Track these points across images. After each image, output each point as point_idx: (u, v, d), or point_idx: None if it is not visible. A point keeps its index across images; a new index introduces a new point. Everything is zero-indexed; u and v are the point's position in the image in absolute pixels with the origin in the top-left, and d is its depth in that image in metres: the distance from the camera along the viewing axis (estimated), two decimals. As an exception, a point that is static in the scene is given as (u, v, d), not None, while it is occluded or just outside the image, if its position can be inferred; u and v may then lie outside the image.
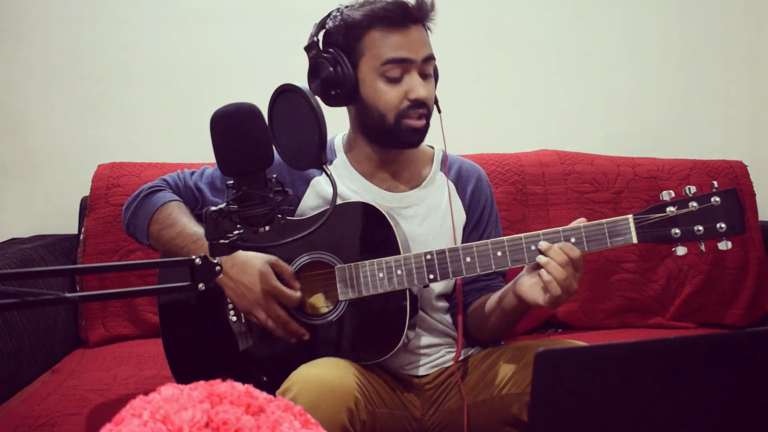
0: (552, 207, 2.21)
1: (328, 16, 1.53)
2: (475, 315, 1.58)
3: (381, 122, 1.51)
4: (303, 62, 1.54)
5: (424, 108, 1.50)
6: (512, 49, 2.50)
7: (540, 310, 2.13)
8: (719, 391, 0.88)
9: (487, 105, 2.49)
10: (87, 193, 2.18)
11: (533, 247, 1.39)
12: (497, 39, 2.49)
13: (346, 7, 1.53)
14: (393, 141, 1.53)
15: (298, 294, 1.47)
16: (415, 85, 1.49)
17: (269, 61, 2.38)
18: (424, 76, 1.51)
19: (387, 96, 1.49)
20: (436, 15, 1.53)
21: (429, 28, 1.54)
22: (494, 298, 1.51)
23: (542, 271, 1.34)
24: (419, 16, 1.50)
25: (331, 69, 1.49)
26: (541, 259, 1.34)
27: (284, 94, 1.31)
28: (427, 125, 1.53)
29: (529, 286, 1.38)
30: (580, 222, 1.38)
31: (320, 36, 1.53)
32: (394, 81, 1.49)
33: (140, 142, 2.40)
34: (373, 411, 1.44)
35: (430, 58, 1.51)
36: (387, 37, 1.48)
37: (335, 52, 1.50)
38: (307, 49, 1.53)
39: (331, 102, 1.51)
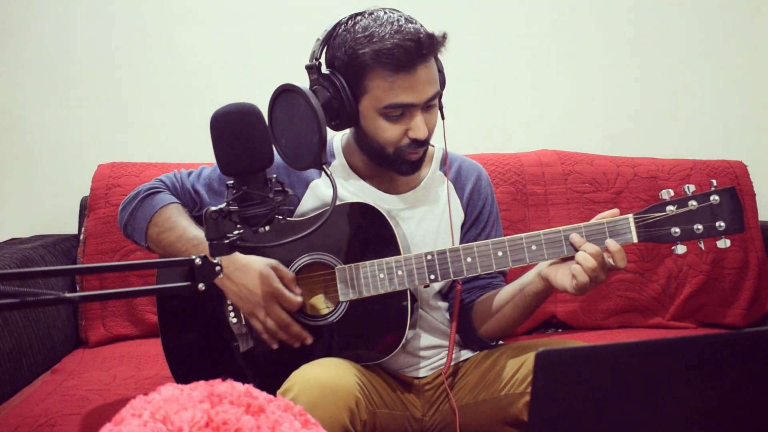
0: (552, 207, 2.21)
1: (334, 32, 1.46)
2: (482, 307, 1.57)
3: (381, 151, 1.50)
4: (304, 62, 1.53)
5: (424, 146, 1.50)
6: (512, 49, 2.50)
7: (538, 309, 2.13)
8: (719, 391, 0.88)
9: (487, 105, 2.49)
10: (87, 193, 2.18)
11: (534, 247, 1.39)
12: (497, 39, 2.49)
13: (354, 25, 1.44)
14: (389, 167, 1.53)
15: (299, 299, 1.47)
16: (417, 126, 1.45)
17: (269, 61, 2.38)
18: (428, 108, 1.48)
19: (387, 133, 1.47)
20: (448, 41, 1.47)
21: (440, 53, 1.49)
22: (510, 289, 1.51)
23: (574, 261, 1.35)
24: (429, 54, 1.43)
25: (332, 98, 1.44)
26: (612, 245, 1.35)
27: (284, 94, 1.31)
28: (425, 153, 1.53)
29: (556, 269, 1.40)
30: (614, 212, 1.39)
31: (323, 54, 1.48)
32: (395, 119, 1.46)
33: (140, 142, 2.40)
34: (373, 411, 1.44)
35: (435, 96, 1.47)
36: (391, 82, 1.41)
37: (337, 81, 1.44)
38: (309, 69, 1.46)
39: (331, 128, 1.47)
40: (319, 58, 1.46)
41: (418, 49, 1.40)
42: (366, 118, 1.47)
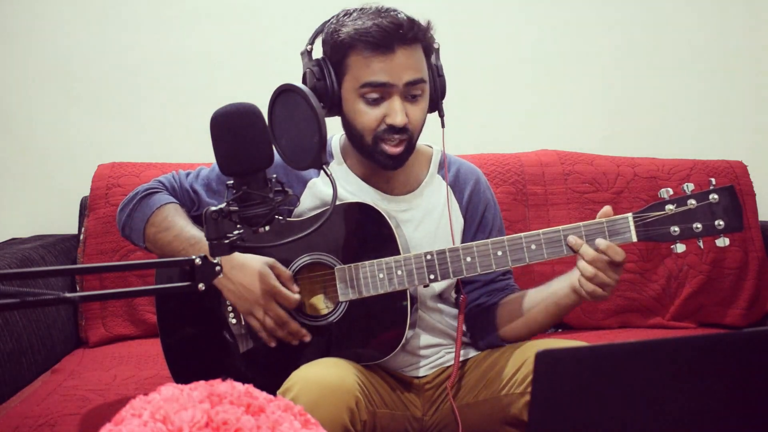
0: (552, 207, 2.21)
1: (327, 22, 1.51)
2: (508, 309, 1.56)
3: (361, 140, 1.50)
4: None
5: (401, 133, 1.47)
6: (512, 48, 2.50)
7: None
8: (719, 391, 0.88)
9: (487, 105, 2.49)
10: (87, 193, 2.18)
11: (533, 247, 1.39)
12: (497, 39, 2.49)
13: (345, 15, 1.49)
14: (372, 160, 1.53)
15: (296, 296, 1.47)
16: (393, 111, 1.45)
17: (269, 61, 2.38)
18: (410, 98, 1.47)
19: (364, 118, 1.47)
20: (435, 32, 1.49)
21: (430, 46, 1.50)
22: (539, 297, 1.50)
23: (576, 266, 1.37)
24: (409, 39, 1.44)
25: (317, 80, 1.47)
26: (601, 243, 1.36)
27: (284, 94, 1.31)
28: (408, 150, 1.51)
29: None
30: (606, 211, 1.40)
31: (317, 42, 1.52)
32: (374, 103, 1.46)
33: (140, 142, 2.40)
34: (373, 411, 1.44)
35: (416, 82, 1.46)
36: (368, 61, 1.44)
37: (323, 65, 1.48)
38: (302, 55, 1.52)
39: None
40: (312, 44, 1.50)
41: (396, 30, 1.43)
42: (347, 102, 1.49)
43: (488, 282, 1.60)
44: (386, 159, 1.50)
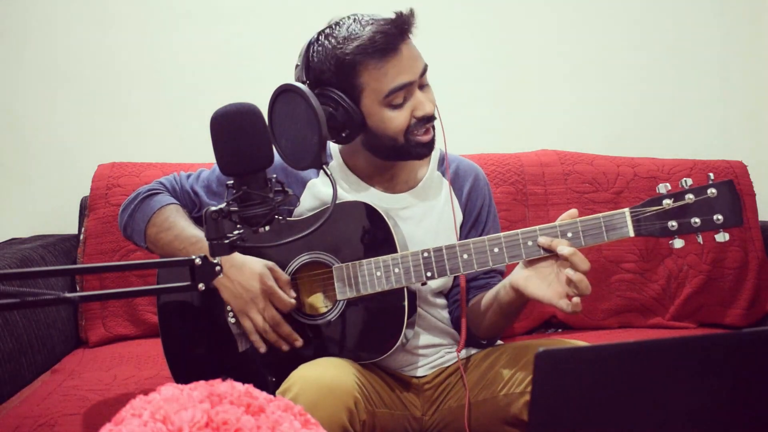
0: (552, 207, 2.21)
1: (310, 52, 1.47)
2: (472, 311, 1.57)
3: (392, 144, 1.50)
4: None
5: (431, 120, 1.51)
6: (512, 49, 2.50)
7: (537, 310, 2.13)
8: (719, 391, 0.88)
9: (487, 105, 2.49)
10: (87, 193, 2.18)
11: (530, 243, 1.39)
12: (497, 39, 2.49)
13: (326, 38, 1.45)
14: (404, 156, 1.53)
15: (292, 300, 1.48)
16: (420, 103, 1.48)
17: (270, 61, 2.37)
18: (422, 87, 1.50)
19: (396, 122, 1.47)
20: (430, 28, 1.51)
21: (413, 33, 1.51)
22: (490, 294, 1.50)
23: (569, 271, 1.33)
24: (405, 32, 1.46)
25: (334, 111, 1.44)
26: (563, 250, 1.33)
27: (284, 94, 1.31)
28: (435, 135, 1.54)
29: (527, 279, 1.38)
30: (572, 213, 1.38)
31: (308, 76, 1.47)
32: (400, 105, 1.47)
33: (140, 142, 2.40)
34: (372, 411, 1.44)
35: (425, 69, 1.49)
36: (382, 70, 1.44)
37: (333, 94, 1.44)
38: None
39: (342, 141, 1.49)
40: (305, 80, 1.47)
41: (395, 29, 1.44)
42: (371, 116, 1.48)
43: (469, 279, 1.61)
44: (422, 148, 1.51)
